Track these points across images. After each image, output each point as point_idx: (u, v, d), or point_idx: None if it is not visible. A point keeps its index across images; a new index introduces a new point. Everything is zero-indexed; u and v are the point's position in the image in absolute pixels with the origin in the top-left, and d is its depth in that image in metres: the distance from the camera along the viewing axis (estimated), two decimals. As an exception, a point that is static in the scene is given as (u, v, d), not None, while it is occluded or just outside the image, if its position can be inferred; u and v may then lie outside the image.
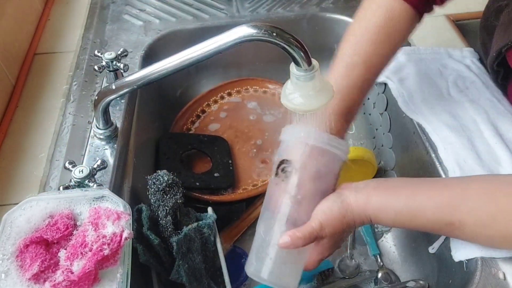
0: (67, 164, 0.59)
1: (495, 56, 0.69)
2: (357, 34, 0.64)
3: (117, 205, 0.53)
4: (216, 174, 0.83)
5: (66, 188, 0.57)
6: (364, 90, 0.64)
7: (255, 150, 0.90)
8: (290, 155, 0.56)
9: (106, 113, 0.66)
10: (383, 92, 0.84)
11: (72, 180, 0.57)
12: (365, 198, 0.53)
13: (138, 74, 0.59)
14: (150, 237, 0.60)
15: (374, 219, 0.53)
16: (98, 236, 0.48)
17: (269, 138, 0.92)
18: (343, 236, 0.56)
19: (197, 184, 0.80)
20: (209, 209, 0.71)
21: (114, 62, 0.73)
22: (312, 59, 0.53)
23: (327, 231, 0.53)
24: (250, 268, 0.56)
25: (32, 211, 0.52)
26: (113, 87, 0.61)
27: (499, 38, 0.68)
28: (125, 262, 0.50)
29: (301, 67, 0.52)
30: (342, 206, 0.53)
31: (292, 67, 0.54)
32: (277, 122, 0.95)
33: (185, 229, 0.62)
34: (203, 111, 0.97)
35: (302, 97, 0.54)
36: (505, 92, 0.75)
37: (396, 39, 0.64)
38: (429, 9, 0.65)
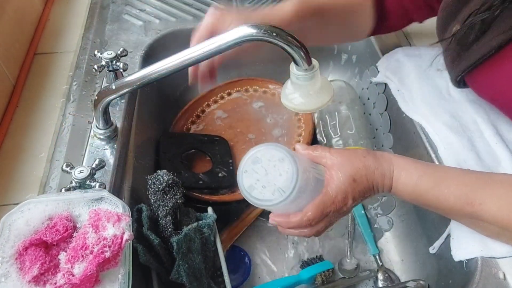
0: (64, 167, 0.59)
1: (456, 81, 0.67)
2: None
3: (116, 206, 0.53)
4: (216, 174, 0.83)
5: (68, 190, 0.57)
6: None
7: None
8: None
9: (106, 113, 0.66)
10: (383, 92, 0.84)
11: (73, 181, 0.57)
12: (392, 155, 0.53)
13: (138, 74, 0.58)
14: (150, 237, 0.60)
15: (396, 178, 0.52)
16: (98, 239, 0.48)
17: (270, 138, 0.92)
18: (360, 185, 0.52)
19: (197, 184, 0.80)
20: (209, 209, 0.71)
21: (114, 62, 0.73)
22: (312, 59, 0.53)
23: (340, 157, 0.52)
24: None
25: (30, 214, 0.51)
26: (113, 87, 0.61)
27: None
28: (126, 263, 0.50)
29: (301, 66, 0.52)
30: (366, 151, 0.53)
31: (292, 66, 0.54)
32: (277, 122, 0.95)
33: (185, 229, 0.62)
34: (203, 111, 0.97)
35: (302, 97, 0.55)
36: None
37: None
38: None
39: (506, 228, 0.50)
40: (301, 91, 0.55)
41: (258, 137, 0.92)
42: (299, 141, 0.90)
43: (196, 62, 0.55)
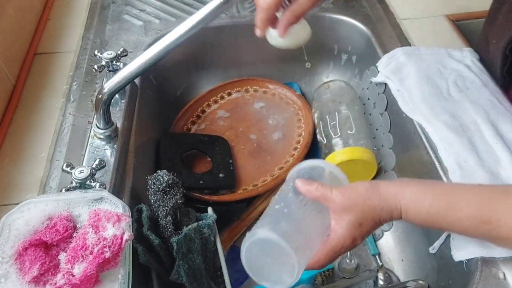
0: (64, 167, 0.59)
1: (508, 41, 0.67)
2: None
3: (116, 206, 0.53)
4: (216, 174, 0.83)
5: (68, 190, 0.57)
6: None
7: (255, 150, 0.90)
8: None
9: (106, 113, 0.66)
10: (383, 92, 0.84)
11: (73, 181, 0.57)
12: (397, 188, 0.51)
13: (131, 65, 0.61)
14: (150, 237, 0.60)
15: (405, 211, 0.50)
16: (98, 239, 0.48)
17: (270, 138, 0.92)
18: (367, 227, 0.52)
19: (197, 184, 0.80)
20: (209, 209, 0.71)
21: (114, 62, 0.73)
22: None
23: (343, 203, 0.51)
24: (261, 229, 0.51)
25: (30, 214, 0.51)
26: (115, 79, 0.62)
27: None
28: (126, 263, 0.50)
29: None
30: (370, 189, 0.51)
31: None
32: (277, 122, 0.95)
33: (185, 229, 0.62)
34: (203, 111, 0.97)
35: (286, 35, 0.62)
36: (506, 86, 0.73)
37: None
38: None
39: None
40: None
41: (259, 138, 0.92)
42: (299, 141, 0.90)
43: (182, 40, 0.59)
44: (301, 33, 0.65)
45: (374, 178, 0.84)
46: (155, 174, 0.66)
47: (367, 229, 0.52)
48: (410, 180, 0.53)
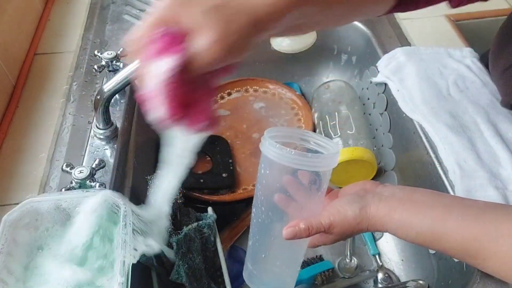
0: (64, 167, 0.59)
1: None
2: None
3: (116, 205, 0.53)
4: (216, 174, 0.83)
5: (68, 190, 0.57)
6: None
7: (255, 150, 0.90)
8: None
9: (106, 113, 0.66)
10: (383, 92, 0.84)
11: (73, 181, 0.57)
12: (386, 211, 0.49)
13: (131, 66, 0.59)
14: (150, 237, 0.60)
15: (393, 233, 0.50)
16: None
17: (269, 138, 0.92)
18: (351, 235, 0.54)
19: (197, 184, 0.80)
20: (209, 209, 0.71)
21: (114, 62, 0.73)
22: None
23: (335, 231, 0.51)
24: (246, 273, 0.56)
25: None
26: (115, 80, 0.61)
27: None
28: (125, 263, 0.50)
29: None
30: (359, 214, 0.50)
31: None
32: (277, 122, 0.95)
33: (185, 229, 0.62)
34: (203, 111, 0.97)
35: (290, 39, 0.63)
36: None
37: None
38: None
39: (509, 282, 0.48)
40: None
41: (259, 138, 0.92)
42: (299, 141, 0.90)
43: None
44: (305, 37, 0.65)
45: (374, 178, 0.84)
46: (155, 174, 0.66)
47: (347, 237, 0.53)
48: (403, 197, 0.50)
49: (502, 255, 0.45)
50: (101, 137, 0.68)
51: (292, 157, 0.47)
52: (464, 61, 0.81)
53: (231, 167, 0.85)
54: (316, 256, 0.78)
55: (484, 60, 0.81)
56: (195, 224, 0.64)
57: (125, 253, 0.50)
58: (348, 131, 0.86)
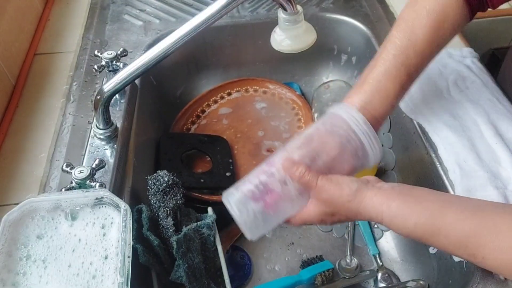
0: (64, 167, 0.59)
1: None
2: (408, 18, 0.60)
3: (116, 206, 0.53)
4: (216, 174, 0.83)
5: (68, 189, 0.57)
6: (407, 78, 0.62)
7: (255, 150, 0.90)
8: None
9: (106, 113, 0.66)
10: (383, 92, 0.84)
11: (73, 181, 0.57)
12: (384, 199, 0.49)
13: (131, 67, 0.61)
14: (150, 237, 0.60)
15: (387, 223, 0.49)
16: None
17: (270, 138, 0.92)
18: (337, 214, 0.53)
19: (197, 184, 0.80)
20: (209, 209, 0.71)
21: (114, 62, 0.73)
22: (297, 5, 0.63)
23: (323, 196, 0.51)
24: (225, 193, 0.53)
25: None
26: (115, 80, 0.62)
27: None
28: (125, 263, 0.50)
29: (289, 12, 0.61)
30: (354, 193, 0.50)
31: (280, 13, 0.62)
32: (277, 122, 0.95)
33: (184, 228, 0.62)
34: (203, 111, 0.97)
35: (290, 39, 0.64)
36: None
37: (447, 30, 0.58)
38: (482, 8, 0.60)
39: (509, 278, 0.48)
40: (289, 34, 0.64)
41: (259, 138, 0.92)
42: (299, 141, 0.90)
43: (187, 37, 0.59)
44: (305, 37, 0.65)
45: (374, 178, 0.84)
46: (155, 174, 0.66)
47: (339, 220, 0.54)
48: (402, 191, 0.50)
49: (501, 252, 0.45)
50: (101, 137, 0.68)
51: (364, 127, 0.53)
52: (464, 61, 0.81)
53: (231, 167, 0.85)
54: (316, 256, 0.78)
55: (484, 60, 0.81)
56: (195, 224, 0.64)
57: (125, 253, 0.50)
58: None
